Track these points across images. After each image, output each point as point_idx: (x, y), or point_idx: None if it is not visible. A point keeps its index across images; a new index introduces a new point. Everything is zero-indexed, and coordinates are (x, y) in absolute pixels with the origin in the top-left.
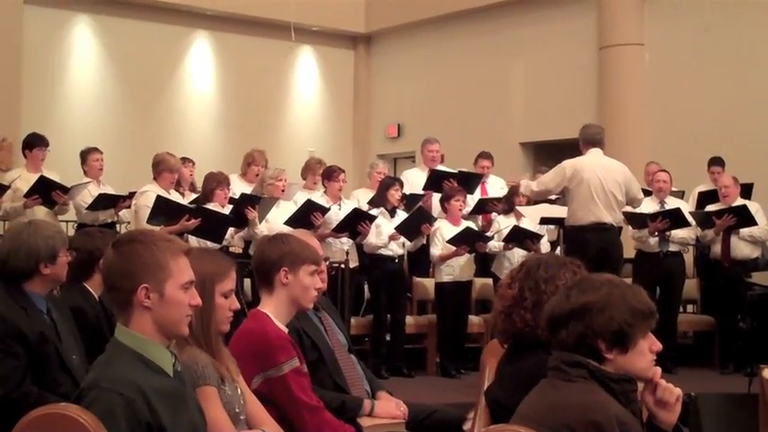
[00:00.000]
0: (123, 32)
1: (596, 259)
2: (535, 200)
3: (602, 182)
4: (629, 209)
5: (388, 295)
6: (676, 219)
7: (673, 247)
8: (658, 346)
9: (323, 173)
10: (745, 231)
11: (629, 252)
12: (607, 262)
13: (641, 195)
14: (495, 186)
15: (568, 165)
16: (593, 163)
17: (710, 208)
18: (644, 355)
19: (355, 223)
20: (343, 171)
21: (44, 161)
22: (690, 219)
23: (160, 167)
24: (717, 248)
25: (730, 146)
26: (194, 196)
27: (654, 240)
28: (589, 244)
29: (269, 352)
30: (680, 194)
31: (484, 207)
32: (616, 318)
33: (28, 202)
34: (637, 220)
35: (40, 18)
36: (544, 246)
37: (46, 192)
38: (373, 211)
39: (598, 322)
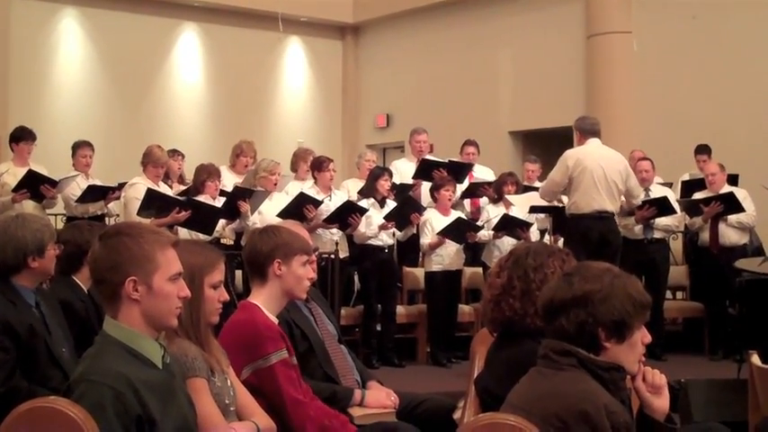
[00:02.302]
0: (111, 25)
1: (597, 247)
2: (550, 198)
3: (605, 170)
4: (622, 199)
5: (378, 285)
6: (663, 206)
7: (657, 234)
8: (649, 338)
9: (311, 164)
10: (732, 218)
11: None
12: (607, 250)
13: (639, 192)
14: (482, 175)
15: (570, 155)
16: (594, 152)
17: (698, 195)
18: (637, 346)
19: (346, 215)
20: (332, 160)
21: (31, 155)
22: (676, 206)
23: (146, 160)
24: (705, 236)
25: (717, 133)
26: (182, 188)
27: (638, 227)
28: (591, 232)
29: (257, 342)
30: (669, 186)
31: (474, 191)
32: (618, 307)
33: (16, 197)
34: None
35: (27, 11)
36: (534, 234)
37: (34, 186)
38: (363, 202)
39: (601, 311)
